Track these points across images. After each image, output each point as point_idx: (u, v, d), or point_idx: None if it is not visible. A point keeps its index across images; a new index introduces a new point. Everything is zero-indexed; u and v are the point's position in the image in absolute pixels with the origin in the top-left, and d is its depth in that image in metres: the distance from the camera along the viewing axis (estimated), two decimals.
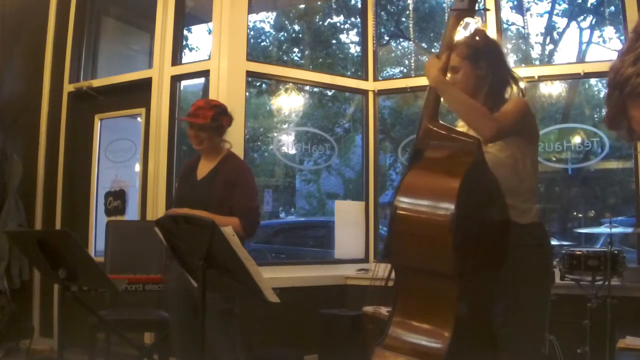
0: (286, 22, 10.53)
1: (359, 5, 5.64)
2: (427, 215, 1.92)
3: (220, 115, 2.95)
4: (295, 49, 10.72)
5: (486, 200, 2.09)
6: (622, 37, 6.43)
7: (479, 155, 2.01)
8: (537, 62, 9.47)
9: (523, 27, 8.93)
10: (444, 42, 2.15)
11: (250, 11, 4.70)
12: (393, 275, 2.56)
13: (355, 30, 9.43)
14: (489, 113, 2.09)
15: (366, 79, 5.06)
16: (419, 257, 1.95)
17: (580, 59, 9.18)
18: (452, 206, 1.84)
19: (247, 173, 3.03)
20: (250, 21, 5.62)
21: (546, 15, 9.64)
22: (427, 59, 2.22)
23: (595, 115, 9.22)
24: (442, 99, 2.16)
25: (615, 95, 0.86)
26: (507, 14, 8.35)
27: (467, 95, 2.15)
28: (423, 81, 5.00)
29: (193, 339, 2.89)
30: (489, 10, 4.28)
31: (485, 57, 2.24)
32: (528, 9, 9.00)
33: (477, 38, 2.27)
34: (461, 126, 2.33)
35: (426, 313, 1.94)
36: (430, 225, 1.90)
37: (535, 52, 9.51)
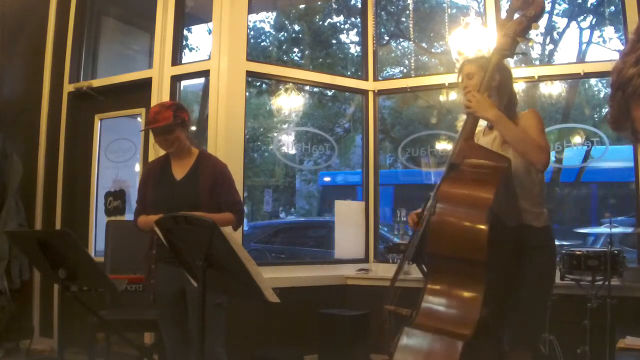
0: (286, 22, 10.53)
1: (359, 5, 5.64)
2: (467, 215, 2.27)
3: (179, 112, 2.92)
4: (295, 49, 10.72)
5: (510, 204, 2.44)
6: (622, 37, 6.43)
7: (509, 167, 2.35)
8: (537, 62, 9.45)
9: None
10: (484, 83, 2.46)
11: (250, 11, 4.70)
12: (401, 276, 2.75)
13: (355, 30, 9.43)
14: (539, 143, 2.39)
15: (366, 79, 5.05)
16: (456, 248, 2.27)
17: (580, 59, 9.16)
18: (488, 208, 2.19)
19: (227, 169, 3.05)
20: (250, 21, 5.62)
21: (546, 15, 9.62)
22: (468, 94, 2.52)
23: (595, 115, 9.23)
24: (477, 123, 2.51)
25: (618, 96, 0.87)
26: None
27: (521, 129, 2.43)
28: (422, 81, 5.09)
29: (185, 336, 2.91)
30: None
31: (499, 72, 2.53)
32: None
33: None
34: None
35: (457, 296, 2.28)
36: (470, 223, 2.25)
37: (535, 52, 9.49)
